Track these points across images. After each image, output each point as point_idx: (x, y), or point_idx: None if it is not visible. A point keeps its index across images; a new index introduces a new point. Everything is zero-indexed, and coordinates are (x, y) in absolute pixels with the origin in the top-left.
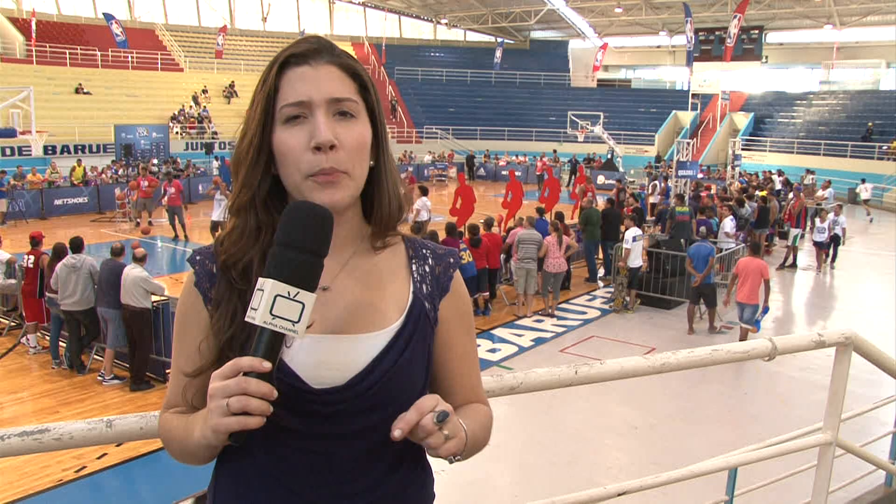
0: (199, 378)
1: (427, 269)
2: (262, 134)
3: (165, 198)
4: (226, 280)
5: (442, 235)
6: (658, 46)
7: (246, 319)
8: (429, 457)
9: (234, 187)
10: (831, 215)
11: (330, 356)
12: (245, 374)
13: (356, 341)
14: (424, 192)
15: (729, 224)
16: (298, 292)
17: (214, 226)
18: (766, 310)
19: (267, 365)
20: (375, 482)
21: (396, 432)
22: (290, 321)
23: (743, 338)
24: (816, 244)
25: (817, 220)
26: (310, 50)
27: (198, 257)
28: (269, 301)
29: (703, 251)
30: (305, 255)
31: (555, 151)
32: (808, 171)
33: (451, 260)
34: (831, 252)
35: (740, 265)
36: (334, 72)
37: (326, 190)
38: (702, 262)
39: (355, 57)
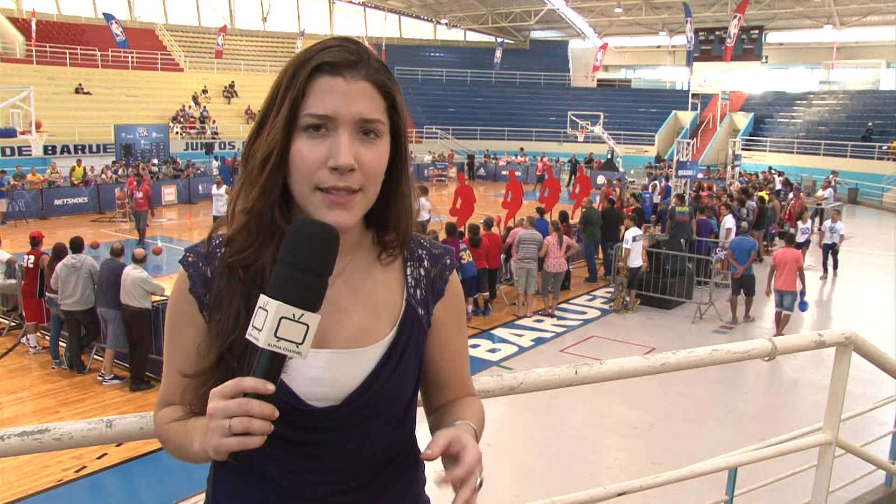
0: (198, 381)
1: (422, 272)
2: (284, 139)
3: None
4: (229, 279)
5: (442, 235)
6: (658, 46)
7: (247, 338)
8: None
9: (245, 187)
10: (828, 222)
11: (326, 373)
12: (246, 394)
13: (351, 357)
14: (424, 192)
15: (730, 221)
16: (303, 314)
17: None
18: (803, 293)
19: (270, 387)
20: (370, 479)
21: (438, 480)
22: (294, 343)
23: (783, 323)
24: (796, 245)
25: (799, 221)
26: (346, 61)
27: (190, 259)
28: (273, 323)
29: (745, 245)
30: (310, 275)
31: (521, 150)
32: (834, 173)
33: (448, 261)
34: (830, 261)
35: (777, 256)
36: (367, 89)
37: (336, 210)
38: (744, 254)
39: (389, 69)
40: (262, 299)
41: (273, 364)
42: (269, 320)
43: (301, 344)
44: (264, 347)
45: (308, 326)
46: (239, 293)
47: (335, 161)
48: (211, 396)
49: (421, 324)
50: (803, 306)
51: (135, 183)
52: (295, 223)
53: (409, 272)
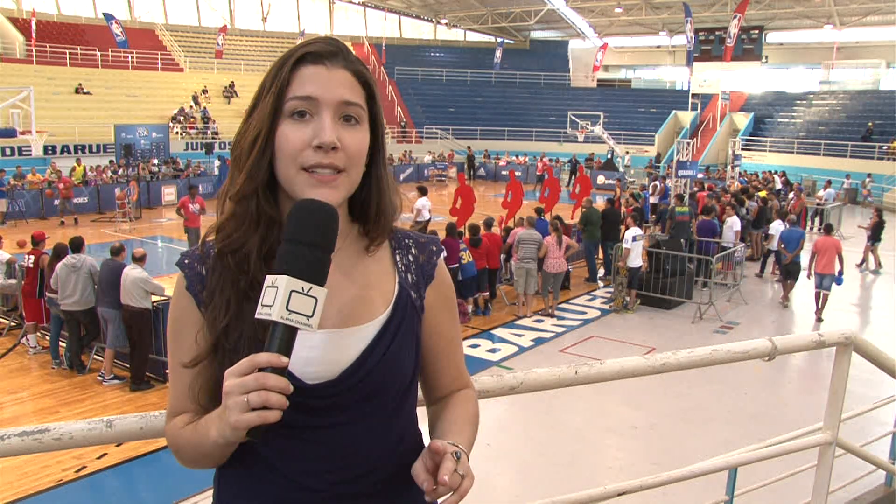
0: (205, 375)
1: (410, 258)
2: (270, 125)
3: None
4: (220, 268)
5: (442, 235)
6: (658, 46)
7: (258, 316)
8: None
9: (233, 174)
10: (776, 223)
11: (320, 352)
12: (261, 369)
13: (345, 335)
14: (424, 192)
15: (737, 224)
16: (311, 287)
17: None
18: (841, 273)
19: (285, 360)
20: (373, 465)
21: (425, 485)
22: (305, 315)
23: (823, 302)
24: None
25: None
26: (327, 51)
27: (186, 261)
28: (284, 297)
29: (794, 235)
30: (316, 251)
31: (469, 148)
32: (868, 176)
33: (434, 248)
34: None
35: (818, 243)
36: (347, 77)
37: (321, 189)
38: (793, 244)
39: (365, 64)
40: (270, 278)
41: (286, 338)
42: (279, 295)
43: (311, 317)
44: (277, 321)
45: (317, 299)
46: (230, 281)
47: (319, 139)
48: (226, 376)
49: (414, 307)
50: (839, 281)
51: (188, 197)
52: (297, 203)
53: (398, 259)
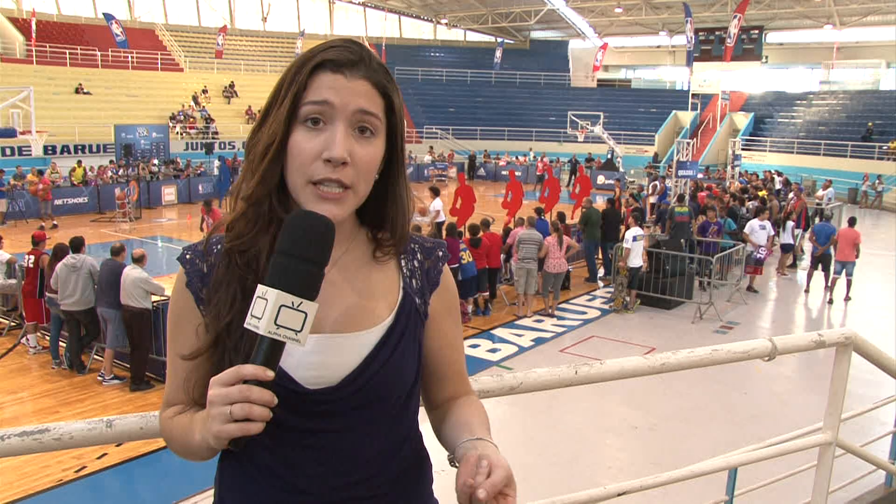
0: (201, 370)
1: (416, 263)
2: (285, 131)
3: None
4: (227, 263)
5: (442, 235)
6: (658, 46)
7: (247, 327)
8: (426, 445)
9: (246, 176)
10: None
11: (323, 357)
12: (245, 381)
13: (348, 340)
14: (436, 192)
15: (769, 226)
16: (301, 302)
17: None
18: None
19: (270, 374)
20: (374, 471)
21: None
22: (294, 330)
23: (849, 286)
24: (782, 246)
25: (790, 222)
26: (347, 59)
27: (187, 255)
28: (273, 311)
29: (826, 230)
30: (308, 264)
31: (431, 148)
32: (878, 178)
33: (440, 253)
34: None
35: (840, 234)
36: (367, 88)
37: (325, 204)
38: (823, 237)
39: (390, 72)
40: (261, 289)
41: (272, 351)
42: (268, 309)
43: (300, 331)
44: (264, 335)
45: (306, 314)
46: (237, 277)
47: (329, 153)
48: (211, 384)
49: (418, 312)
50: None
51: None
52: (292, 214)
53: (403, 264)
